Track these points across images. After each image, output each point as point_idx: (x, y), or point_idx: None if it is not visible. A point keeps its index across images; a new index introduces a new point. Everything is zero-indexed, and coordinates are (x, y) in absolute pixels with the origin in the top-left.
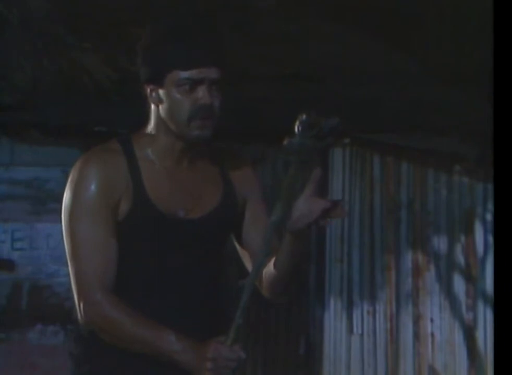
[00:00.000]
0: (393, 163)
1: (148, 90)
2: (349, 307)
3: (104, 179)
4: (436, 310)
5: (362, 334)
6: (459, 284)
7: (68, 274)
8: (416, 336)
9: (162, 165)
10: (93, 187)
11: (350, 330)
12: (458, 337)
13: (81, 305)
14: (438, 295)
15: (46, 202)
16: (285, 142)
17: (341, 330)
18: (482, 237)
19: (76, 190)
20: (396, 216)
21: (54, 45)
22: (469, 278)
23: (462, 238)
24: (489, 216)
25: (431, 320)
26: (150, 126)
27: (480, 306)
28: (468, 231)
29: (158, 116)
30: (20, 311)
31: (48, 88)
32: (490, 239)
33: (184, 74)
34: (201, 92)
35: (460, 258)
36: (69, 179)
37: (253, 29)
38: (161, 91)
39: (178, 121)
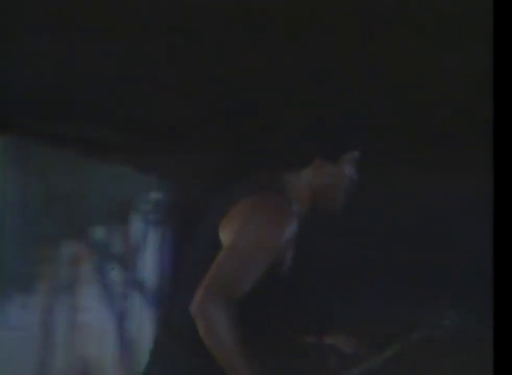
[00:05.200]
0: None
1: (318, 163)
2: (2, 300)
3: (291, 231)
4: (92, 300)
5: (16, 328)
6: (116, 274)
7: None
8: (73, 326)
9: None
10: (283, 232)
11: (5, 324)
12: (113, 326)
13: (200, 297)
14: (96, 285)
15: None
16: None
17: None
18: (139, 227)
19: (272, 224)
20: (59, 208)
21: None
22: (126, 267)
23: (121, 228)
24: (145, 207)
25: (87, 310)
26: (296, 189)
27: (135, 295)
28: (126, 221)
29: (310, 185)
30: None
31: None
32: (146, 228)
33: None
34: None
35: (118, 248)
36: (265, 208)
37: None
38: (331, 167)
39: (335, 195)
